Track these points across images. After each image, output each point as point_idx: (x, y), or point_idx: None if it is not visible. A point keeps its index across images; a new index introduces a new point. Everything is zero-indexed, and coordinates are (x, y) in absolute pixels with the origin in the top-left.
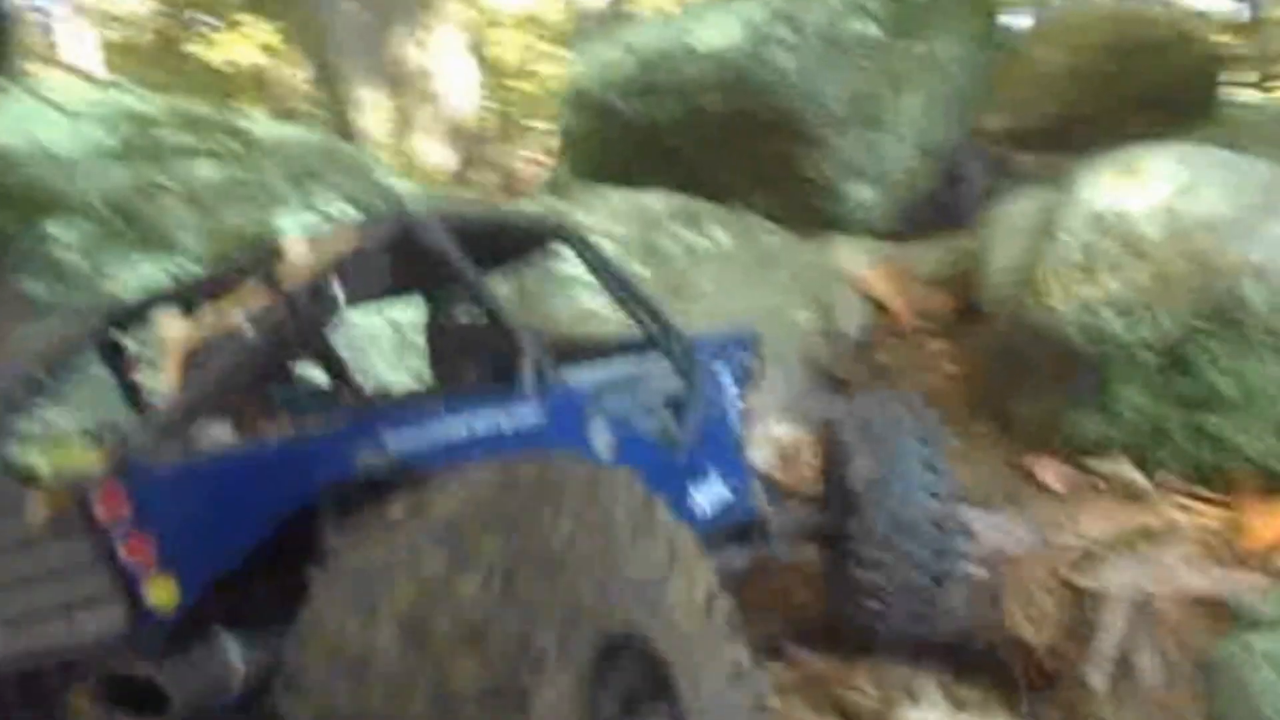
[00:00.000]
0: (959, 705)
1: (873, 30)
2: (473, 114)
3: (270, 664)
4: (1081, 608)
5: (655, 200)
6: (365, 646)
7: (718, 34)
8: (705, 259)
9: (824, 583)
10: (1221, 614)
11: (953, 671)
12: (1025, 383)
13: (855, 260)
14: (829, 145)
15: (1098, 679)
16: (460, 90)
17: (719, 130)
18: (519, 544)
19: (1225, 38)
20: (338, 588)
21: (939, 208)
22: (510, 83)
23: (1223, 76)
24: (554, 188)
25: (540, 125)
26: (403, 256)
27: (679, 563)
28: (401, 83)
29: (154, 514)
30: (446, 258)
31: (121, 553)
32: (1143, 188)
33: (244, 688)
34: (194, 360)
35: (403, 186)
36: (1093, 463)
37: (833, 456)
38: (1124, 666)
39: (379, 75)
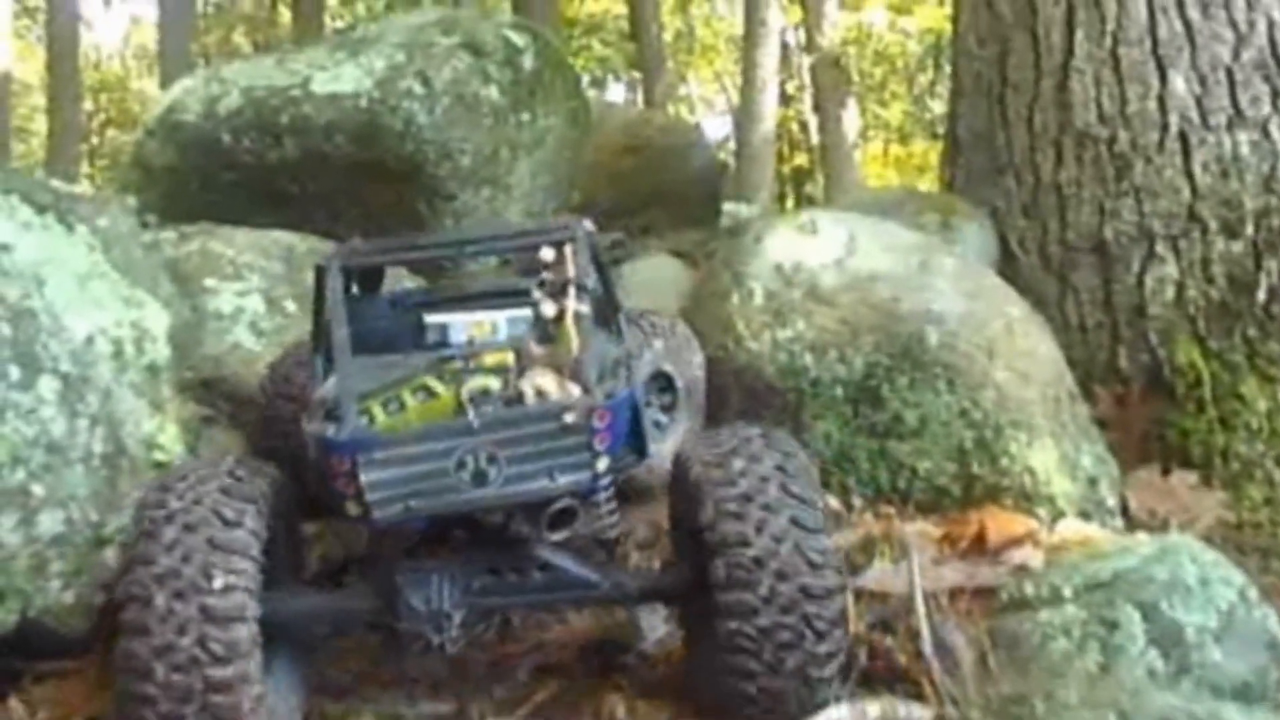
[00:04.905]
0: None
1: (495, 94)
2: None
3: None
4: (878, 613)
5: (295, 240)
6: None
7: (340, 78)
8: None
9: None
10: (987, 600)
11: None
12: (719, 417)
13: None
14: (457, 201)
15: (935, 666)
16: None
17: (343, 176)
18: None
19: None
20: None
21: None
22: None
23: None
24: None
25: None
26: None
27: None
28: None
29: (612, 424)
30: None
31: (595, 442)
32: (817, 245)
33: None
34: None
35: None
36: None
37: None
38: (942, 650)
39: None
